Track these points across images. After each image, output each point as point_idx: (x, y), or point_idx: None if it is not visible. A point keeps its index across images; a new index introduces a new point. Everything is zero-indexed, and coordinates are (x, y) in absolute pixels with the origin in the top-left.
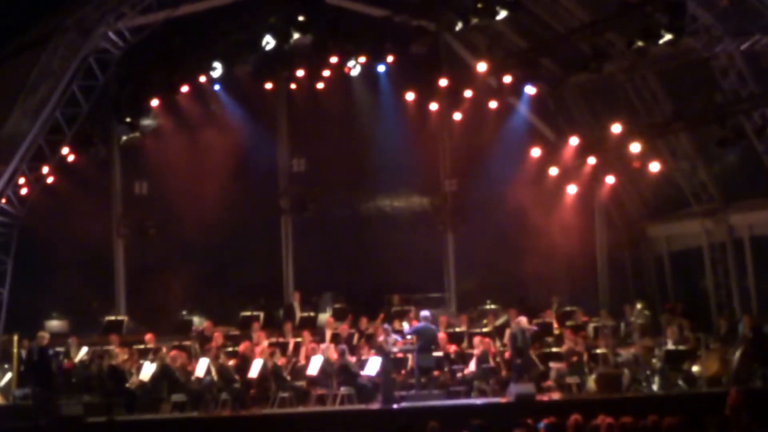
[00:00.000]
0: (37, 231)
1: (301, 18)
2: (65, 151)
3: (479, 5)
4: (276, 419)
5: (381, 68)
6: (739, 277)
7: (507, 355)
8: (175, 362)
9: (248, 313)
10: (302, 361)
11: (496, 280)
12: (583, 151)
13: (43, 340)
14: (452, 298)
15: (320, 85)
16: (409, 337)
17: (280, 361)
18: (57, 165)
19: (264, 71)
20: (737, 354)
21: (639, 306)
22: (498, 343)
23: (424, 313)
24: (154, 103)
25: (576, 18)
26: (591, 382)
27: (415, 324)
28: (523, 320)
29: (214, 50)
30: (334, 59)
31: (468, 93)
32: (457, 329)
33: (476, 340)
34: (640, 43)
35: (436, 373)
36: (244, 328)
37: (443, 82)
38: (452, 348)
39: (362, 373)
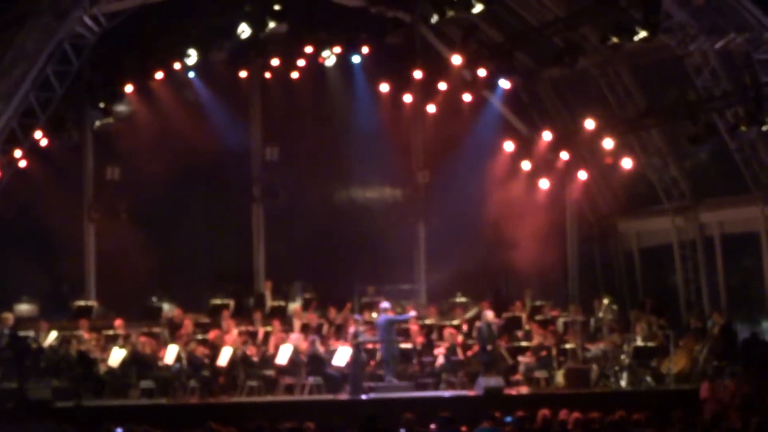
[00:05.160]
0: (9, 214)
1: (276, 6)
2: (38, 135)
3: None
4: (244, 407)
5: (356, 59)
6: (709, 275)
7: (475, 348)
8: (144, 349)
9: (218, 301)
10: (272, 350)
11: (466, 272)
12: (555, 146)
13: (8, 322)
14: (422, 289)
15: (295, 75)
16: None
17: (250, 349)
18: (29, 149)
19: (239, 59)
20: (704, 351)
21: (606, 301)
22: (464, 337)
23: (384, 305)
24: (128, 88)
25: (551, 12)
26: (559, 377)
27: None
28: (489, 314)
29: (189, 37)
30: (309, 49)
31: (442, 85)
32: (427, 321)
33: (444, 332)
34: (614, 39)
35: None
36: (214, 315)
37: (418, 74)
38: (420, 340)
39: (332, 363)
